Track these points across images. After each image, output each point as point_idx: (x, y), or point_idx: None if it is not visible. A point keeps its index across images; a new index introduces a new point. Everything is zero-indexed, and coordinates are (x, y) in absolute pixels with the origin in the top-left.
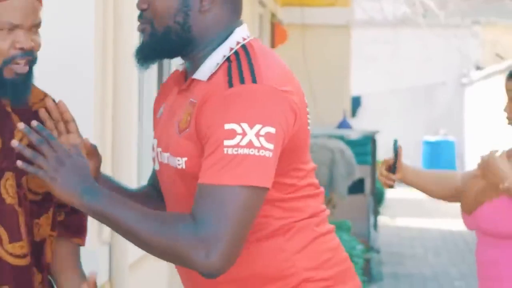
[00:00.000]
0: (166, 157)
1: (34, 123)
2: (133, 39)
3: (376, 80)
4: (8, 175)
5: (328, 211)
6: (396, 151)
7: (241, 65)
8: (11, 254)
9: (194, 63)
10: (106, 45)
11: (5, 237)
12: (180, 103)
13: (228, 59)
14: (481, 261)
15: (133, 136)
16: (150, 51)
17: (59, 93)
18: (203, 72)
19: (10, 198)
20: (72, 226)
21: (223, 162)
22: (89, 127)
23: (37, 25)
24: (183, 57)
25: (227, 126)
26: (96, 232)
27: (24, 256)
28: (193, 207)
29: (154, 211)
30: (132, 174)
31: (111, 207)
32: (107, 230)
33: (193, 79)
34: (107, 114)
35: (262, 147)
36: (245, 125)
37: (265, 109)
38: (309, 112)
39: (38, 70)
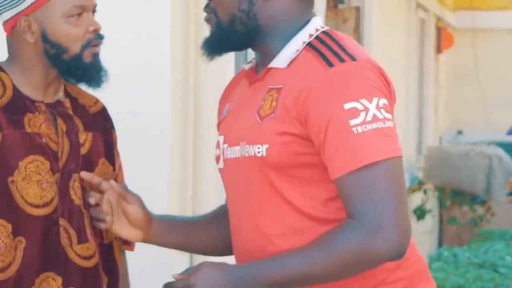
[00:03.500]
0: (237, 150)
1: None
2: None
3: None
4: (76, 176)
5: None
6: None
7: (331, 46)
8: (79, 255)
9: (267, 54)
10: (187, 44)
11: (74, 238)
12: (256, 93)
13: (309, 45)
14: None
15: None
16: (217, 42)
17: (135, 97)
18: (282, 59)
19: (78, 199)
20: None
21: (356, 143)
22: (167, 131)
23: (96, 6)
24: (253, 48)
25: (347, 106)
26: None
27: (90, 257)
28: (345, 205)
29: (308, 244)
30: (214, 180)
31: (270, 271)
32: None
33: (270, 68)
34: (189, 117)
35: (385, 118)
36: (364, 101)
37: (374, 82)
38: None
39: (114, 74)
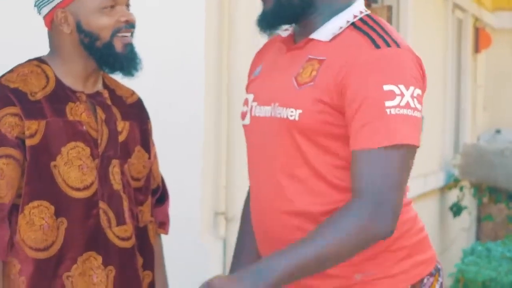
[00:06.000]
0: (267, 109)
1: None
2: (249, 36)
3: None
4: (115, 162)
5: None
6: None
7: (376, 29)
8: (117, 237)
9: (308, 26)
10: (221, 40)
11: (113, 220)
12: (293, 60)
13: (354, 25)
14: None
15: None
16: (273, 16)
17: (171, 90)
18: (324, 33)
19: (117, 184)
20: (158, 218)
21: (387, 123)
22: (201, 121)
23: (128, 1)
24: (298, 21)
25: (386, 87)
26: (211, 226)
27: (128, 239)
28: (354, 179)
29: (317, 229)
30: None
31: (287, 264)
32: (222, 225)
33: (311, 39)
34: (223, 108)
35: (416, 108)
36: (402, 87)
37: (413, 72)
38: None
39: (151, 69)
